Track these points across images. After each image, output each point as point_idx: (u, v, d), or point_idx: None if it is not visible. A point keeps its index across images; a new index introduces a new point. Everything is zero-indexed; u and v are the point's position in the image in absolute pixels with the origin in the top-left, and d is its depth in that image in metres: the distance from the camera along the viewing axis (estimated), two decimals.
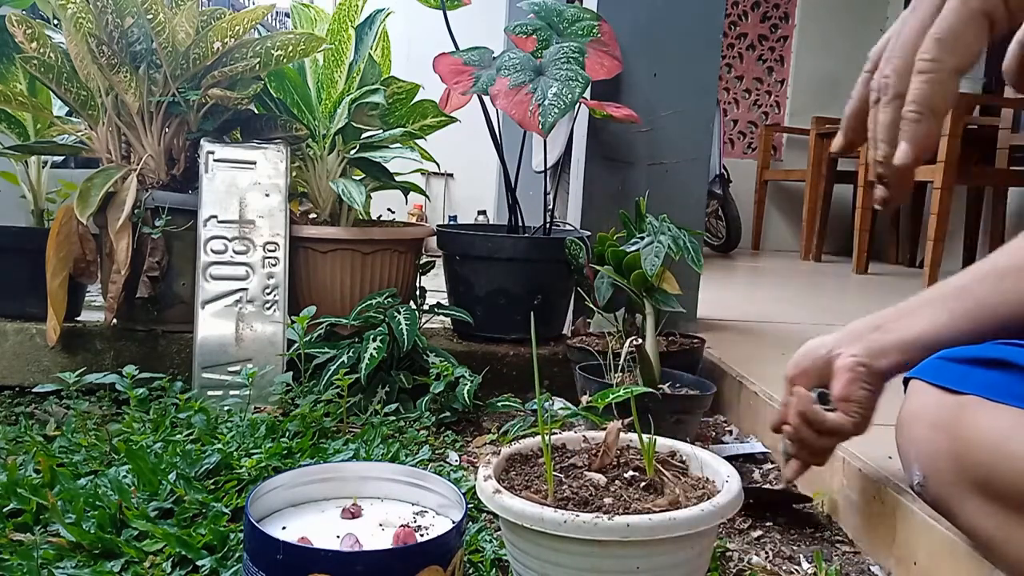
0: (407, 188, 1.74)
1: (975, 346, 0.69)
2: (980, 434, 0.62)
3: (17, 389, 1.46)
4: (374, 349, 1.34)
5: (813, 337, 0.86)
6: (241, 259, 1.46)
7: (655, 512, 0.66)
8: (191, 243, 1.47)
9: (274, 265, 1.47)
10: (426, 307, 1.61)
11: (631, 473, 0.77)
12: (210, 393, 1.40)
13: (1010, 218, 3.30)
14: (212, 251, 1.45)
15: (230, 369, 1.42)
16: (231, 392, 1.36)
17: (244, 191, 1.48)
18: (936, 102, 0.56)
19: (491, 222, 3.63)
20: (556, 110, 1.42)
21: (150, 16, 1.39)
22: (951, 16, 0.56)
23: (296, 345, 1.34)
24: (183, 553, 0.80)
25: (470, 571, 0.81)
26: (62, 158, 1.81)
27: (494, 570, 0.81)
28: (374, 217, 1.77)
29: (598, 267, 1.42)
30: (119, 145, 1.52)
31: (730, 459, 0.98)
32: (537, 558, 0.67)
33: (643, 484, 0.75)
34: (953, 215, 3.13)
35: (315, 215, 1.67)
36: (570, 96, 1.43)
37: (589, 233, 1.67)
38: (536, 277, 1.62)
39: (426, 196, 2.35)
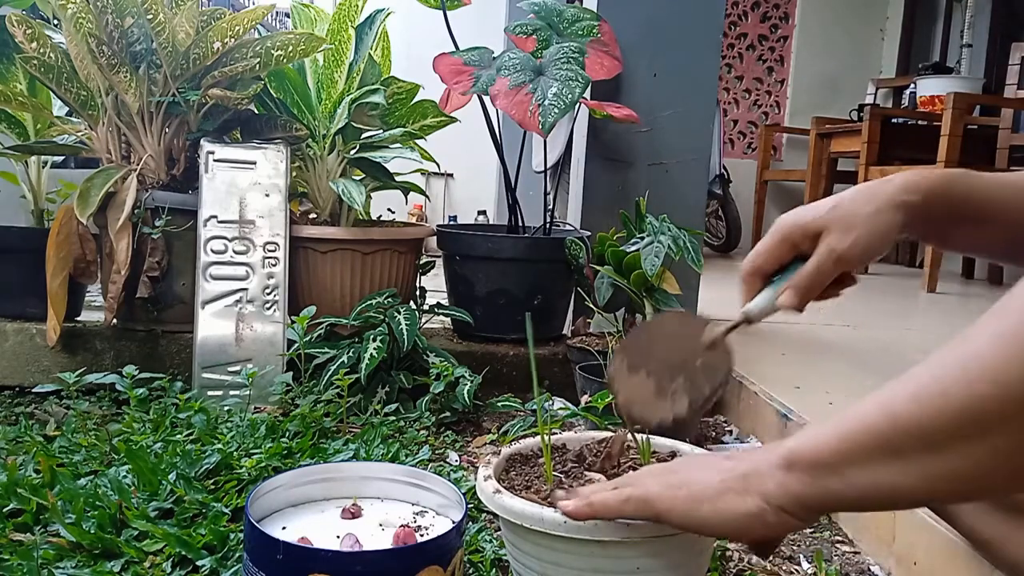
0: (407, 188, 1.74)
1: None
2: None
3: (17, 389, 1.46)
4: (374, 349, 1.34)
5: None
6: (241, 259, 1.46)
7: None
8: (191, 243, 1.47)
9: (274, 265, 1.47)
10: (426, 307, 1.61)
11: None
12: (210, 393, 1.39)
13: None
14: (212, 251, 1.45)
15: (230, 369, 1.42)
16: (231, 392, 1.36)
17: (244, 191, 1.48)
18: None
19: (491, 222, 3.62)
20: (556, 110, 1.41)
21: (150, 16, 1.39)
22: None
23: (296, 345, 1.34)
24: (183, 553, 0.80)
25: (470, 571, 0.81)
26: (62, 158, 1.81)
27: (494, 570, 0.81)
28: (374, 217, 1.77)
29: (598, 267, 1.42)
30: (119, 145, 1.52)
31: None
32: (537, 558, 0.67)
33: None
34: None
35: (315, 215, 1.67)
36: (570, 96, 1.43)
37: (589, 233, 1.67)
38: (536, 277, 1.61)
39: (426, 196, 2.35)
